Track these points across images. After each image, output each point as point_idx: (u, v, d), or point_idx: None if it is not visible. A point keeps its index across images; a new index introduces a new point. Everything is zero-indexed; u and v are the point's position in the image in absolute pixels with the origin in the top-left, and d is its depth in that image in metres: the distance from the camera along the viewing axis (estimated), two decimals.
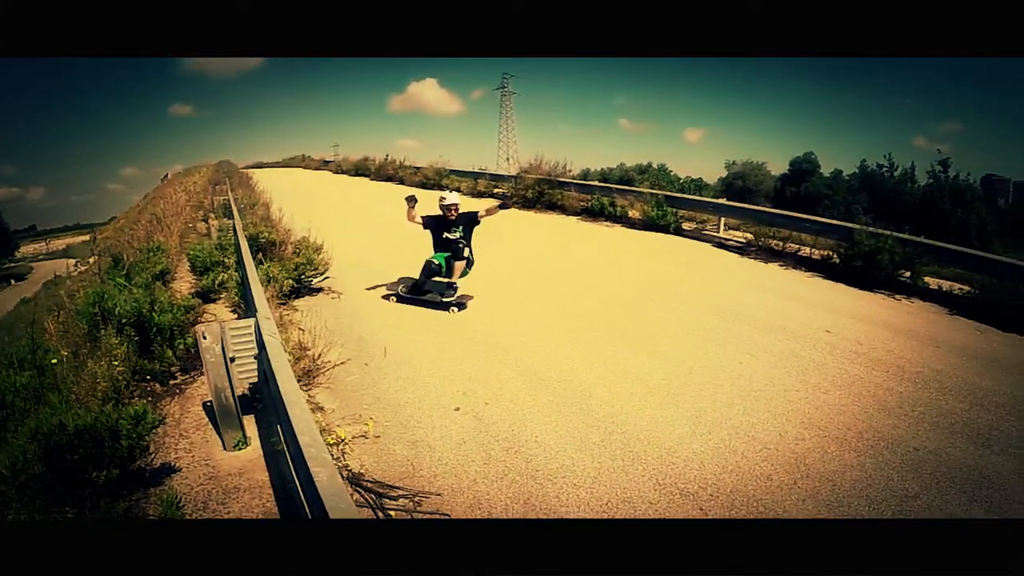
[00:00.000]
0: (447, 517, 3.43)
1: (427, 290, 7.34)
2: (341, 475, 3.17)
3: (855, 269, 8.83)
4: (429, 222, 7.32)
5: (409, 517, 3.42)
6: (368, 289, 7.89)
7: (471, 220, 7.31)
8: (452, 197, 7.25)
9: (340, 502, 2.33)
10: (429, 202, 7.89)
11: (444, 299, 7.17)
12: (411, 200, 7.19)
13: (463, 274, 7.30)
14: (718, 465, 3.98)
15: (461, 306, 7.16)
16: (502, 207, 7.40)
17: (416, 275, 7.35)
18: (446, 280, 7.27)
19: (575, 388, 5.10)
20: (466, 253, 7.20)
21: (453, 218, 7.20)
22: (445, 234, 7.25)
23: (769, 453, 4.15)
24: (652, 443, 4.24)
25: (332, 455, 3.49)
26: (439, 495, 3.62)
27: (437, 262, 7.18)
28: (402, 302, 7.39)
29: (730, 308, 7.33)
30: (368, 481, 3.69)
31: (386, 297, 7.54)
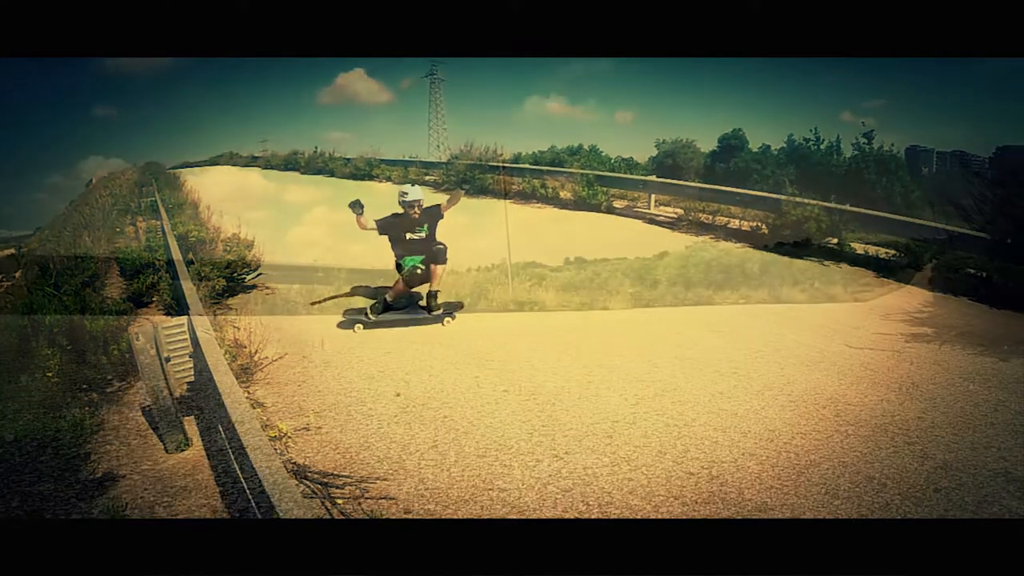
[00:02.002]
0: (398, 506, 3.48)
1: (401, 305, 6.46)
2: (286, 468, 3.18)
3: (784, 238, 9.16)
4: (386, 225, 6.28)
5: (358, 504, 3.45)
6: (314, 303, 7.15)
7: (435, 216, 6.34)
8: (415, 192, 6.25)
9: (285, 493, 2.33)
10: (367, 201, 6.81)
11: (433, 312, 6.37)
12: (356, 206, 6.11)
13: None
14: (661, 430, 4.14)
15: (452, 315, 6.45)
16: (461, 188, 7.05)
17: (367, 283, 6.93)
18: (427, 289, 6.44)
19: (515, 367, 5.21)
20: (448, 255, 6.32)
21: (417, 216, 6.24)
22: (408, 235, 6.27)
23: (708, 413, 4.35)
24: (595, 413, 4.38)
25: (276, 449, 3.50)
26: (385, 480, 3.65)
27: (421, 268, 6.28)
28: (373, 327, 6.30)
29: (663, 281, 7.54)
30: (313, 472, 3.70)
31: (345, 325, 6.37)
